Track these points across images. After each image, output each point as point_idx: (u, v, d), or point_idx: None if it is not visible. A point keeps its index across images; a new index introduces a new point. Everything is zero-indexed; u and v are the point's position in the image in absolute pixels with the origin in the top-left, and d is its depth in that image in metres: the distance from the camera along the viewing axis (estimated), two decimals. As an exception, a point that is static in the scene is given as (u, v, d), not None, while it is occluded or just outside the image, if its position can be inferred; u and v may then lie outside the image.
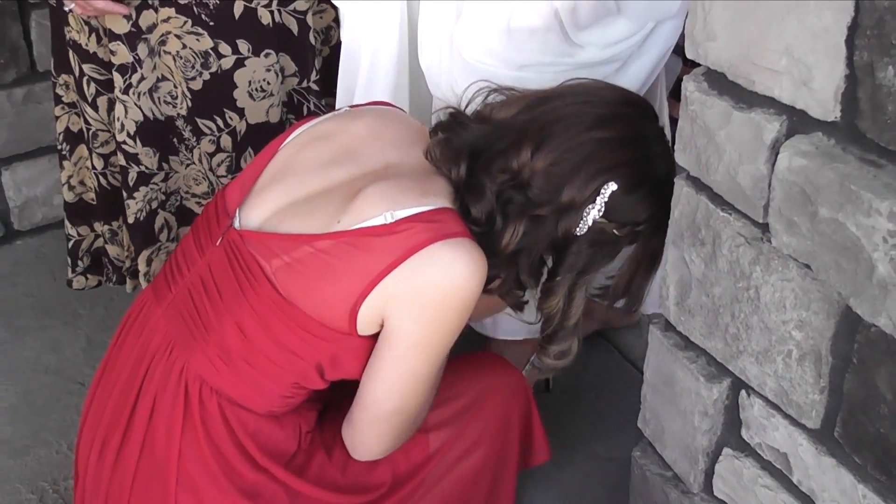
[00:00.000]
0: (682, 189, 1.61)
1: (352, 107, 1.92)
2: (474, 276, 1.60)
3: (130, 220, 2.32)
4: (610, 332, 2.68)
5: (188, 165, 2.24)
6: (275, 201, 1.69)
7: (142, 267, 2.34)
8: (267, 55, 2.17)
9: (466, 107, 1.78)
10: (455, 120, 1.75)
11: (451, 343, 1.68)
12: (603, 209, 1.67)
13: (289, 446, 1.77)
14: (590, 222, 1.67)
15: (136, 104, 2.18)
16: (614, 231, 1.70)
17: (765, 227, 1.45)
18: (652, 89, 2.21)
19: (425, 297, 1.60)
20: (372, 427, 1.73)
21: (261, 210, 1.69)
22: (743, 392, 1.61)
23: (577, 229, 1.68)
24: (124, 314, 1.85)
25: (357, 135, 1.77)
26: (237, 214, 1.70)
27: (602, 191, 1.66)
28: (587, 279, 1.76)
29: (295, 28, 2.19)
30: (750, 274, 1.50)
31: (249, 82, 2.18)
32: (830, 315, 1.38)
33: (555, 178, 1.66)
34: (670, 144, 1.72)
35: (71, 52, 2.24)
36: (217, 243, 1.70)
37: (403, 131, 1.80)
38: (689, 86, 1.54)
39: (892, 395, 1.31)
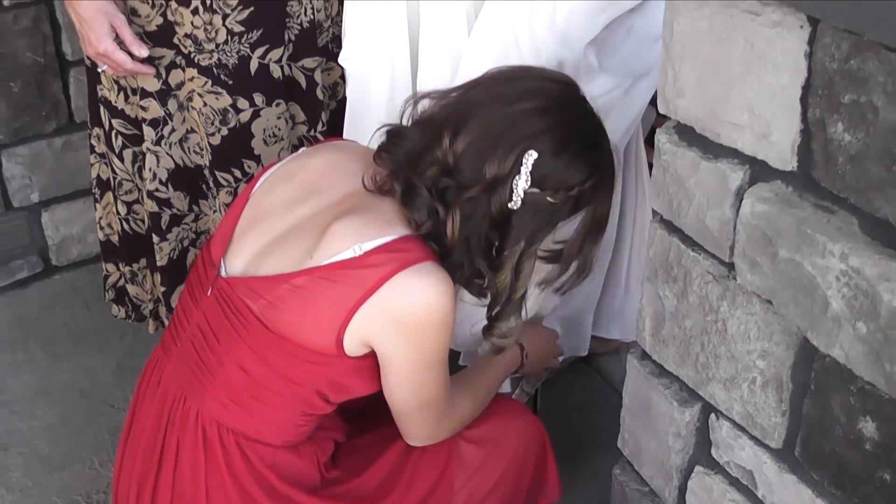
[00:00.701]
0: (656, 231, 1.62)
1: (307, 146, 1.92)
2: (443, 294, 1.57)
3: (163, 262, 2.33)
4: (592, 358, 2.68)
5: (214, 211, 2.26)
6: (252, 246, 1.68)
7: (175, 304, 2.35)
8: (278, 104, 2.18)
9: (401, 119, 1.72)
10: (391, 135, 1.70)
11: (445, 350, 1.66)
12: (530, 179, 1.56)
13: (310, 475, 1.76)
14: (521, 193, 1.57)
15: (167, 153, 2.20)
16: (549, 199, 1.59)
17: (731, 266, 1.47)
18: (630, 137, 2.22)
19: (405, 325, 1.58)
20: (409, 422, 1.73)
21: (242, 256, 1.68)
22: (712, 415, 1.62)
23: (511, 203, 1.58)
24: (141, 371, 1.84)
25: (316, 170, 1.74)
26: (222, 263, 1.69)
27: (524, 160, 1.56)
28: (533, 250, 1.66)
29: (303, 82, 2.21)
30: (718, 308, 1.51)
31: (264, 130, 2.19)
32: (790, 346, 1.39)
33: (476, 157, 1.58)
34: (602, 122, 1.67)
35: (102, 108, 2.26)
36: (208, 293, 1.69)
37: (358, 159, 1.74)
38: (662, 137, 1.55)
39: (845, 417, 1.32)
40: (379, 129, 1.71)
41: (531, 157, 1.55)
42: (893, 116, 1.17)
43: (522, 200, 1.57)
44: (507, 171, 1.56)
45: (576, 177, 1.60)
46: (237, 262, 1.68)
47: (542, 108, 1.60)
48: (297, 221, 1.66)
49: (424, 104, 1.69)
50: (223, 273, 1.68)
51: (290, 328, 1.60)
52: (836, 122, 1.25)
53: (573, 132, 1.61)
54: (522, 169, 1.55)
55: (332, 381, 1.65)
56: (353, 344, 1.60)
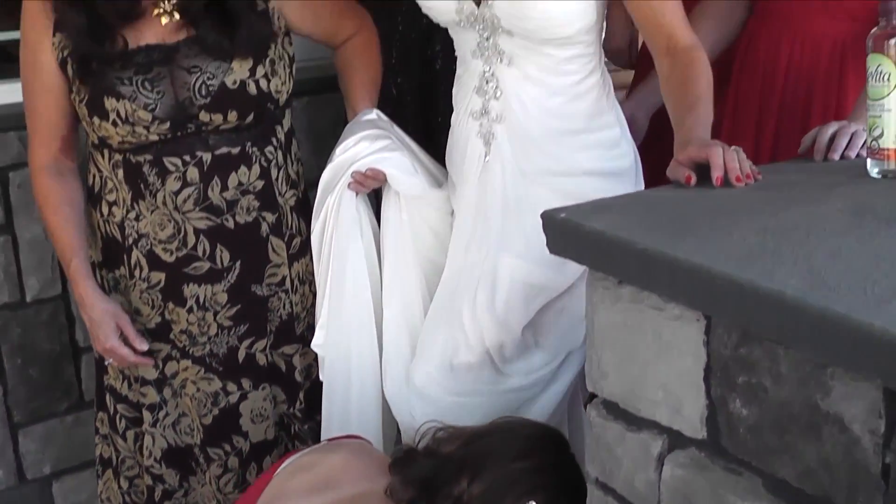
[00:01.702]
0: (593, 492, 1.63)
1: (330, 440, 1.95)
2: None
3: None
4: None
5: (203, 485, 2.24)
6: None
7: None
8: (263, 388, 2.21)
9: (419, 442, 1.80)
10: (408, 456, 1.77)
11: None
12: None
13: None
14: None
15: (161, 435, 2.20)
16: None
17: (660, 524, 1.48)
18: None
19: None
20: None
21: None
22: None
23: None
24: None
25: (334, 467, 1.78)
26: None
27: None
28: None
29: (283, 366, 2.23)
30: (650, 561, 1.51)
31: (251, 410, 2.21)
32: None
33: (489, 501, 1.67)
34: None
35: (108, 395, 2.26)
36: None
37: (372, 465, 1.80)
38: (592, 412, 1.58)
39: None
40: (400, 447, 1.90)
41: None
42: (781, 394, 1.21)
43: None
44: None
45: None
46: None
47: (542, 467, 1.73)
48: None
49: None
50: None
51: None
52: (734, 399, 1.28)
53: (565, 487, 1.73)
54: None
55: None
56: None
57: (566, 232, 1.49)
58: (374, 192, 2.13)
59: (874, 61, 1.56)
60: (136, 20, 2.00)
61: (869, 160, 1.60)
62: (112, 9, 1.97)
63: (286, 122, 2.17)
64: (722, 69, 2.28)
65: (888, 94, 1.54)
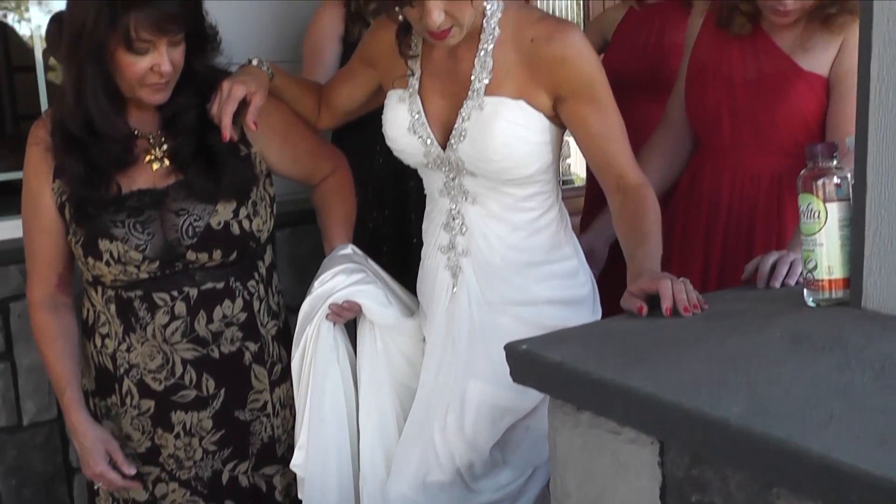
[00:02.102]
0: None
1: None
2: None
3: None
4: None
5: None
6: None
7: None
8: (244, 511, 2.21)
9: None
10: None
11: None
12: None
13: None
14: None
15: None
16: None
17: None
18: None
19: None
20: None
21: None
22: None
23: None
24: None
25: None
26: None
27: None
28: None
29: (264, 487, 2.22)
30: None
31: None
32: None
33: None
34: None
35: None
36: None
37: None
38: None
39: None
40: None
41: None
42: (731, 513, 1.24)
43: None
44: None
45: None
46: None
47: None
48: None
49: None
50: None
51: None
52: (687, 518, 1.31)
53: None
54: None
55: None
56: None
57: (528, 363, 1.52)
58: (350, 322, 2.15)
59: (804, 200, 1.62)
60: (129, 166, 2.05)
61: (805, 290, 1.65)
62: (106, 156, 2.02)
63: (267, 258, 2.21)
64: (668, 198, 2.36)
65: (819, 230, 1.61)
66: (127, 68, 1.95)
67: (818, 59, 2.16)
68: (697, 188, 2.34)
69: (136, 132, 2.07)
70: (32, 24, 3.16)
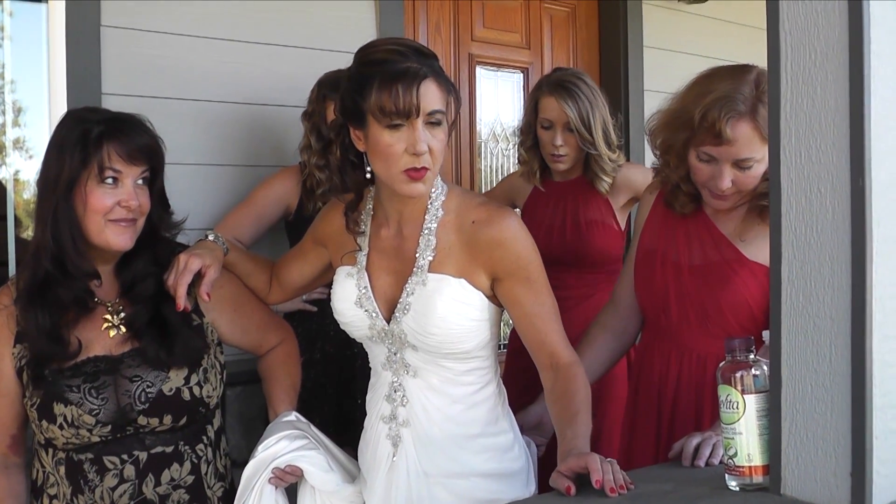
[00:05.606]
0: None
1: None
2: None
3: None
4: None
5: None
6: None
7: None
8: None
9: None
10: None
11: None
12: None
13: None
14: None
15: None
16: None
17: None
18: None
19: None
20: None
21: None
22: None
23: None
24: None
25: None
26: None
27: None
28: None
29: None
30: None
31: None
32: None
33: None
34: None
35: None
36: None
37: None
38: None
39: None
40: None
41: None
42: None
43: None
44: None
45: None
46: None
47: None
48: None
49: None
50: None
51: None
52: None
53: None
54: None
55: None
56: None
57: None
58: (292, 486, 2.09)
59: (724, 391, 1.62)
60: (88, 328, 2.01)
61: (727, 475, 1.63)
62: (73, 291, 1.98)
63: (216, 422, 2.13)
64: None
65: (738, 420, 1.60)
66: (97, 201, 1.94)
67: (760, 249, 2.07)
68: (647, 366, 2.26)
69: (97, 300, 2.04)
70: (10, 171, 3.09)
